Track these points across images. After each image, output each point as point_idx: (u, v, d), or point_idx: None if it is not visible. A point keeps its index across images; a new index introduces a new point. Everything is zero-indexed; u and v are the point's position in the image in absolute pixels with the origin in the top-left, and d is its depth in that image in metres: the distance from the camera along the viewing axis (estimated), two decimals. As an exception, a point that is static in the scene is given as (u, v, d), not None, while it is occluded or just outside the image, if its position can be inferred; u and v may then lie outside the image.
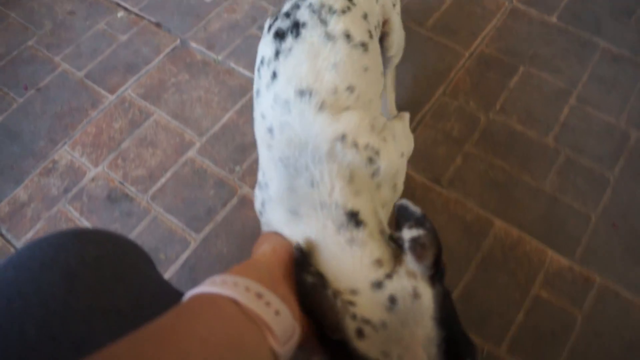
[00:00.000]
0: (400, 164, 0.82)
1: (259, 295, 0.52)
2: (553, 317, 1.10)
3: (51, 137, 1.35)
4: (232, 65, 1.42)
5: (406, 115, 1.01)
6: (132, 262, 0.64)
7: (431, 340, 0.60)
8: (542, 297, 1.11)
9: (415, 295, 0.62)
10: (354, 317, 0.61)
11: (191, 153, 1.29)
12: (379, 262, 0.65)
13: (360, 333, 0.60)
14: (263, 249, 0.68)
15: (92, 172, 1.28)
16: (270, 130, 0.74)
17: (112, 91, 1.41)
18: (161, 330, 0.44)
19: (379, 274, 0.64)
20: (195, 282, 1.16)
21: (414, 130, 1.29)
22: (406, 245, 0.65)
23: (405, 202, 0.68)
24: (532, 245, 1.16)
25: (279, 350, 0.51)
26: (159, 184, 1.25)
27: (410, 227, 0.65)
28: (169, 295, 0.67)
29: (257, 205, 0.79)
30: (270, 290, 0.54)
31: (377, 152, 0.74)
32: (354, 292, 0.63)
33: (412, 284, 0.63)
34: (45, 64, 1.47)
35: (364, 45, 0.80)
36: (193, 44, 1.46)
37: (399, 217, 0.67)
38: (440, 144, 1.27)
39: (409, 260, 0.64)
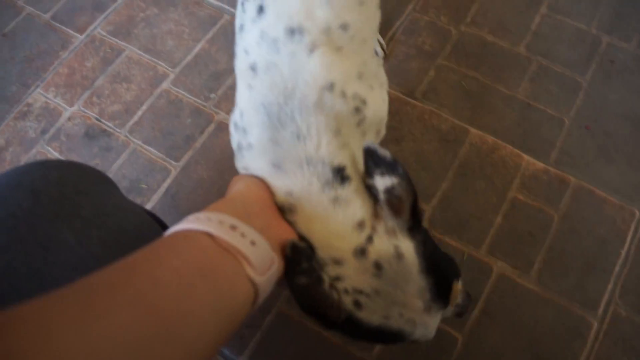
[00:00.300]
0: (385, 110, 0.78)
1: (233, 227, 0.52)
2: (530, 219, 1.13)
3: (23, 81, 1.33)
4: (201, -4, 1.40)
5: (381, 60, 0.99)
6: (94, 180, 0.66)
7: (423, 289, 0.62)
8: (519, 200, 1.14)
9: (399, 256, 0.62)
10: (346, 291, 0.61)
11: (165, 85, 1.28)
12: (360, 225, 0.63)
13: (357, 304, 0.61)
14: (237, 187, 0.67)
15: (67, 111, 1.28)
16: (253, 68, 0.68)
17: (81, 31, 1.39)
18: (133, 261, 0.45)
19: (361, 238, 0.63)
20: (177, 209, 1.18)
21: (386, 47, 1.29)
22: (381, 197, 0.63)
23: (372, 145, 0.63)
24: (507, 151, 1.18)
25: (257, 279, 0.51)
26: (135, 118, 1.25)
27: (382, 174, 0.63)
28: (131, 208, 0.69)
29: (233, 145, 0.75)
30: (246, 223, 0.54)
31: (364, 101, 0.69)
32: (338, 262, 0.62)
33: (393, 243, 0.62)
34: (7, 8, 1.44)
35: None
36: (158, -23, 1.44)
37: (368, 162, 0.64)
38: (413, 59, 1.28)
39: (386, 215, 0.64)
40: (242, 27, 0.72)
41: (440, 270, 0.64)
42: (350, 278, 0.61)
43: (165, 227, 0.80)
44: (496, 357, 1.03)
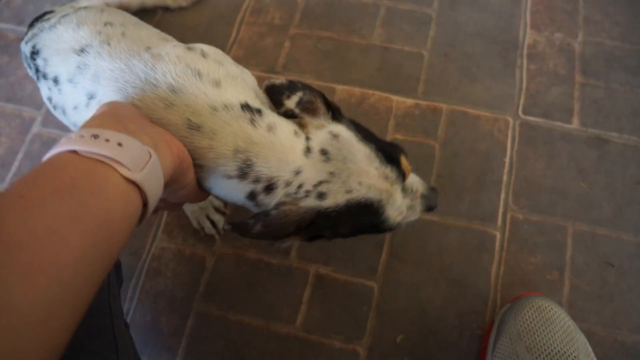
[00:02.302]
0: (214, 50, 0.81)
1: (95, 136, 0.51)
2: (413, 153, 1.15)
3: None
4: (49, 32, 1.38)
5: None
6: None
7: (370, 156, 0.69)
8: (398, 140, 1.17)
9: (334, 136, 0.69)
10: (307, 193, 0.67)
11: (35, 128, 1.26)
12: (296, 133, 0.69)
13: (321, 195, 0.67)
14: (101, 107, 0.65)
15: (-56, 183, 1.25)
16: (90, 96, 0.74)
17: (-61, 100, 1.35)
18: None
19: (301, 141, 0.69)
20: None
21: (237, 32, 1.30)
22: (297, 112, 0.71)
23: (268, 82, 0.73)
24: (376, 97, 1.21)
25: (134, 176, 0.51)
26: (14, 169, 1.23)
27: (288, 97, 0.71)
28: None
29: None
30: (112, 130, 0.53)
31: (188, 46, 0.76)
32: (298, 172, 0.67)
33: (326, 131, 0.70)
34: None
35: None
36: (1, 25, 1.41)
37: (273, 97, 0.72)
38: (266, 36, 1.29)
39: (309, 120, 0.71)
40: (64, 109, 0.82)
41: (379, 142, 0.73)
42: (309, 177, 0.67)
43: None
44: (413, 293, 1.06)
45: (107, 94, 0.71)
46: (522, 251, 1.08)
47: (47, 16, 0.95)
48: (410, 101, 1.20)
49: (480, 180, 1.14)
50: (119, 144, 0.51)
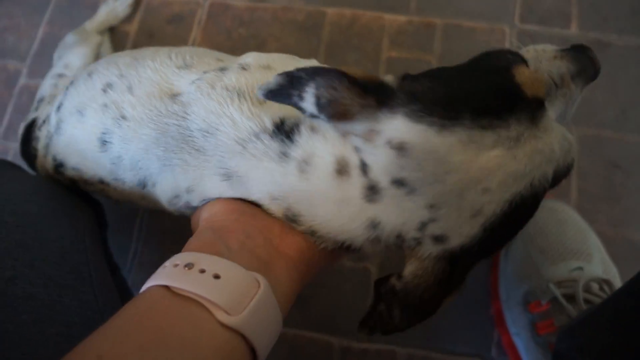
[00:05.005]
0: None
1: (189, 266, 0.43)
2: (410, 70, 1.13)
3: None
4: (24, -20, 1.33)
5: None
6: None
7: (471, 139, 0.45)
8: (393, 57, 1.14)
9: (400, 148, 0.46)
10: (418, 240, 0.48)
11: (22, 80, 1.23)
12: (342, 165, 0.49)
13: (438, 239, 0.47)
14: (202, 216, 0.58)
15: (-63, 144, 1.22)
16: (143, 185, 0.65)
17: None
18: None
19: (357, 178, 0.48)
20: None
21: None
22: (323, 117, 0.48)
23: (259, 88, 0.48)
24: (367, 17, 1.17)
25: (233, 321, 0.41)
26: (5, 123, 1.21)
27: (300, 97, 0.47)
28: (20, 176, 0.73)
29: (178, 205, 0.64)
30: (210, 253, 0.46)
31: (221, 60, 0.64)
32: (374, 225, 0.49)
33: (382, 143, 0.47)
34: None
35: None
36: (-27, -22, 1.36)
37: (279, 99, 0.49)
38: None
39: (343, 127, 0.49)
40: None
41: (471, 91, 0.47)
42: (400, 223, 0.48)
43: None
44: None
45: (158, 180, 0.62)
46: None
47: (38, 121, 0.81)
48: (403, 18, 1.17)
49: (479, 92, 1.11)
50: (216, 276, 0.42)
